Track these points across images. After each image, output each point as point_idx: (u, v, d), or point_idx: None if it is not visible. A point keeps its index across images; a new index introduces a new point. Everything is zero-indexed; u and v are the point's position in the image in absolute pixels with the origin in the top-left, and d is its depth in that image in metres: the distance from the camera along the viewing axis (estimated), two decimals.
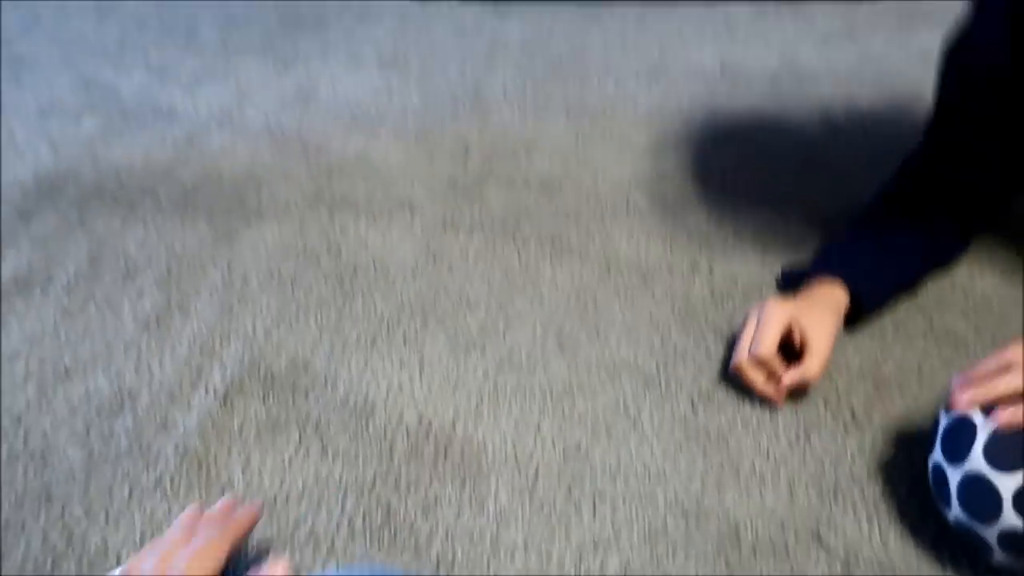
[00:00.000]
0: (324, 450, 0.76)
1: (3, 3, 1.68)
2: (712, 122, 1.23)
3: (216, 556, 0.58)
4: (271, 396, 0.82)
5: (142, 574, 0.56)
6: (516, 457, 0.75)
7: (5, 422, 0.80)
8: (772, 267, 0.95)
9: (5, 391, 0.83)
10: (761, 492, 0.70)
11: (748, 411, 0.78)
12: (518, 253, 0.99)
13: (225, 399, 0.81)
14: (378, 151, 1.18)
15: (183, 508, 0.71)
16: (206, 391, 0.82)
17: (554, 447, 0.75)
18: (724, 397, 0.80)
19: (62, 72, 1.41)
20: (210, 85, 1.36)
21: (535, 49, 1.45)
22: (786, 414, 0.78)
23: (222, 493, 0.73)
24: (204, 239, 1.02)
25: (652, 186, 1.09)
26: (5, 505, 0.72)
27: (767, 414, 0.78)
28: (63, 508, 0.71)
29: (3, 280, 0.97)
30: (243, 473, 0.74)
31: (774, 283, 0.93)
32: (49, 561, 0.66)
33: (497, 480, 0.73)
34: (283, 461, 0.75)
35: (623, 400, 0.80)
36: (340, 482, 0.73)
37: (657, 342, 0.86)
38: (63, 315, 0.92)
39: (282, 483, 0.73)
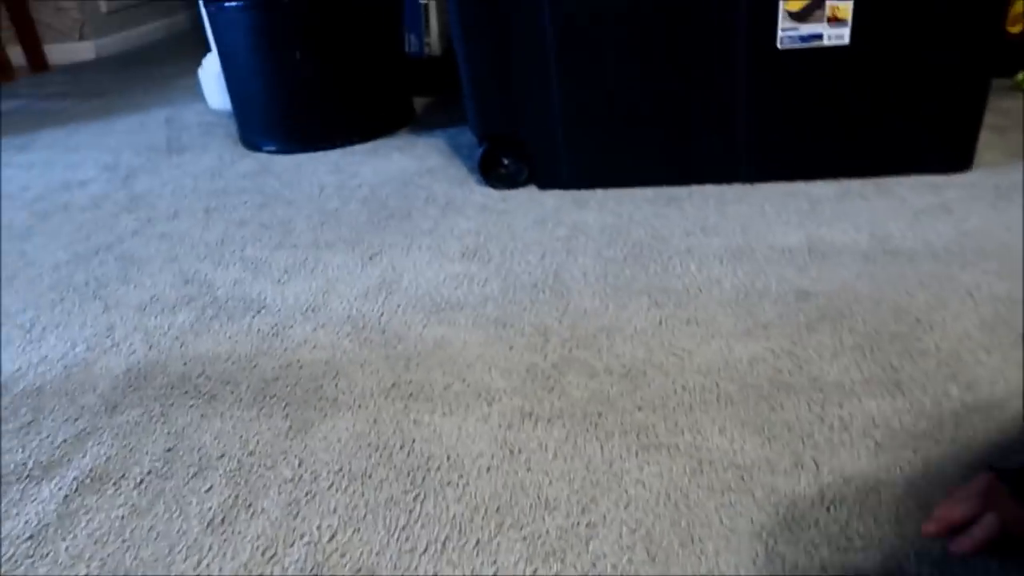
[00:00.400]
0: None
1: (121, 210, 1.83)
2: (804, 303, 1.17)
3: None
4: None
5: None
6: None
7: None
8: (889, 465, 0.85)
9: None
10: None
11: None
12: (601, 447, 0.92)
13: None
14: (457, 339, 1.17)
15: None
16: None
17: None
18: None
19: (165, 269, 1.50)
20: (299, 278, 1.41)
21: (614, 235, 1.45)
22: None
23: None
24: (279, 431, 1.00)
25: (744, 372, 1.02)
26: None
27: None
28: None
29: (81, 475, 0.96)
30: None
31: (892, 485, 0.82)
32: None
33: None
34: None
35: None
36: None
37: (761, 553, 0.76)
38: (131, 513, 0.89)
39: None
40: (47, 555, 0.84)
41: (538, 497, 0.86)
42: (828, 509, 0.80)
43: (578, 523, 0.82)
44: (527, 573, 0.76)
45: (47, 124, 2.68)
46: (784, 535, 0.78)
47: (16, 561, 0.84)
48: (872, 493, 0.81)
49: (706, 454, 0.89)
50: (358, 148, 2.12)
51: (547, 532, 0.81)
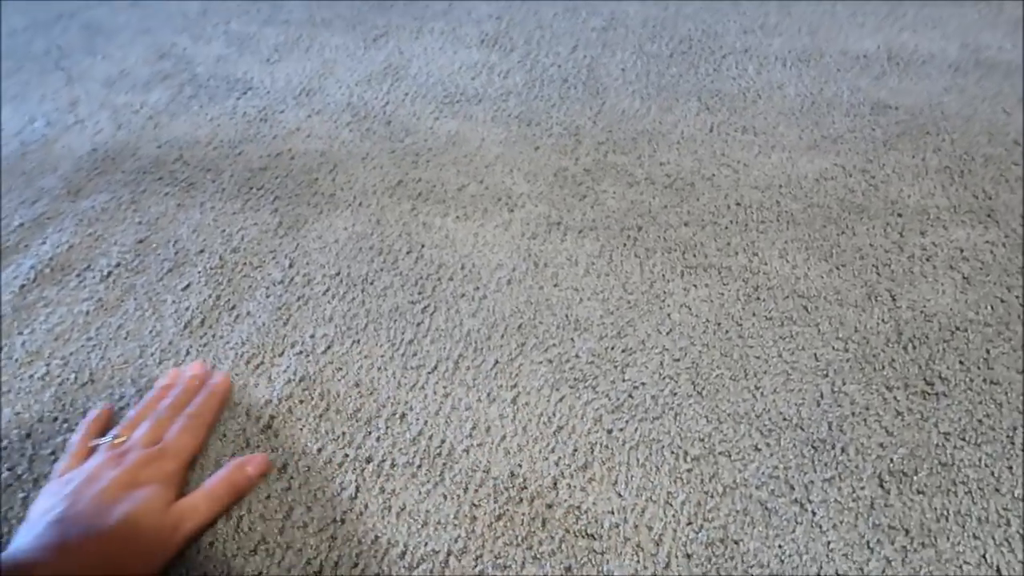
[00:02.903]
0: (387, 505, 0.59)
1: None
2: (881, 116, 1.00)
3: (205, 429, 0.64)
4: (325, 426, 0.65)
5: (131, 440, 0.60)
6: (639, 540, 0.55)
7: (12, 436, 0.66)
8: (978, 303, 0.73)
9: (18, 397, 0.69)
10: None
11: (963, 501, 0.57)
12: (640, 265, 0.79)
13: (269, 427, 0.65)
14: (473, 135, 1.01)
15: (203, 570, 0.55)
16: (247, 416, 0.66)
17: (693, 530, 0.56)
18: (927, 478, 0.58)
19: (136, 40, 1.30)
20: (291, 58, 1.22)
21: (659, 28, 1.25)
22: None
23: (253, 552, 0.56)
24: (267, 227, 0.87)
25: (809, 191, 0.88)
26: None
27: (991, 503, 0.56)
28: None
29: (39, 264, 0.83)
30: (281, 530, 0.57)
31: (982, 325, 0.71)
32: None
33: (615, 566, 0.54)
34: (334, 516, 0.58)
35: (785, 472, 0.59)
36: (404, 550, 0.56)
37: (828, 393, 0.65)
38: (97, 309, 0.78)
39: (330, 547, 0.56)
40: (0, 349, 0.74)
41: (566, 317, 0.74)
42: (906, 348, 0.69)
43: (612, 347, 0.71)
44: (553, 399, 0.66)
45: None
46: (853, 375, 0.67)
47: None
48: (959, 333, 0.70)
49: (763, 279, 0.77)
50: None
51: (576, 356, 0.70)
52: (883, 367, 0.67)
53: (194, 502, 0.56)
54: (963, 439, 0.61)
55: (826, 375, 0.67)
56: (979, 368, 0.66)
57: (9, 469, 0.63)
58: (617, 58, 1.17)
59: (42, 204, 0.93)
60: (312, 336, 0.73)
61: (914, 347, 0.69)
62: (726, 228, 0.83)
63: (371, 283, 0.79)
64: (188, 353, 0.72)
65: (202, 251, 0.85)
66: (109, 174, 0.97)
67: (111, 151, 1.01)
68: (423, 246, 0.84)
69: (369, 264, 0.82)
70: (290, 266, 0.82)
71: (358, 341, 0.73)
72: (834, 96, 1.04)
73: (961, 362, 0.67)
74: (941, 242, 0.80)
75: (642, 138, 0.99)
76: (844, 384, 0.66)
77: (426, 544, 0.56)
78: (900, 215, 0.84)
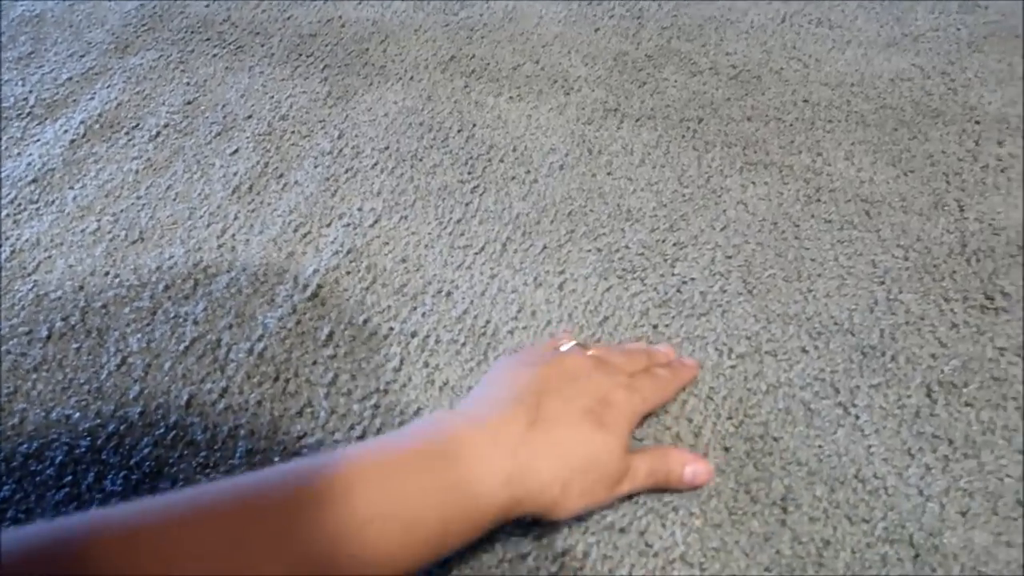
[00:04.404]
0: (430, 379, 0.60)
1: None
2: (969, 15, 0.93)
3: (674, 392, 0.57)
4: (371, 299, 0.65)
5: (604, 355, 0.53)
6: (678, 430, 0.56)
7: (67, 287, 0.67)
8: None
9: (71, 250, 0.70)
10: None
11: (1012, 417, 0.56)
12: (698, 158, 0.77)
13: (316, 295, 0.66)
14: (531, 12, 0.96)
15: (250, 428, 0.56)
16: (295, 283, 0.66)
17: (733, 425, 0.56)
18: (978, 391, 0.57)
19: None
20: None
21: None
22: None
23: (299, 414, 0.57)
24: (316, 96, 0.85)
25: (883, 91, 0.83)
26: (49, 389, 0.59)
27: None
28: (115, 407, 0.58)
29: (88, 119, 0.83)
30: (326, 395, 0.59)
31: None
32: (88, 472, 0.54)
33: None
34: (378, 386, 0.59)
35: (831, 375, 0.59)
36: None
37: (882, 300, 0.64)
38: (146, 168, 0.78)
39: (373, 415, 0.57)
40: (53, 202, 0.74)
41: (618, 206, 0.72)
42: (969, 261, 0.66)
43: (664, 240, 0.69)
44: (600, 288, 0.65)
45: None
46: (911, 284, 0.65)
47: (19, 205, 0.74)
48: None
49: (826, 180, 0.74)
50: None
51: (626, 247, 0.69)
52: (943, 278, 0.65)
53: (638, 467, 0.48)
54: (1018, 355, 0.59)
55: (883, 282, 0.65)
56: None
57: (63, 319, 0.64)
58: None
59: (90, 58, 0.91)
60: (360, 209, 0.73)
61: (978, 260, 0.66)
62: (791, 125, 0.80)
63: (420, 159, 0.78)
64: (236, 218, 0.72)
65: (250, 116, 0.83)
66: (157, 31, 0.95)
67: (159, 7, 0.99)
68: (474, 125, 0.81)
69: (419, 140, 0.80)
70: (339, 137, 0.80)
71: (406, 217, 0.72)
72: None
73: None
74: (1019, 153, 0.75)
75: (709, 25, 0.93)
76: (900, 292, 0.64)
77: None
78: (978, 122, 0.79)
